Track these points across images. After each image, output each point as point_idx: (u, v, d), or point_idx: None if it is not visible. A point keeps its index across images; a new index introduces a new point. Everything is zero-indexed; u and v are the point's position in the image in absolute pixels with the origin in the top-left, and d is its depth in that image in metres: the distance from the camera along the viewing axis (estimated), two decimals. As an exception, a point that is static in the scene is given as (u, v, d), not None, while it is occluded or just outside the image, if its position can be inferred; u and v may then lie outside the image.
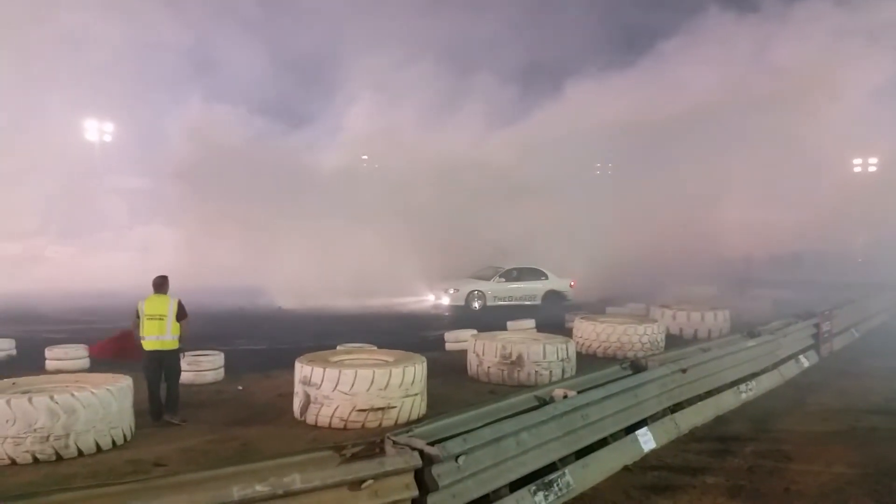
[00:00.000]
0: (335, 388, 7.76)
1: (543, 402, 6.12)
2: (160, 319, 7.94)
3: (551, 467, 5.72)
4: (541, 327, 14.62)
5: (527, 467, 5.40)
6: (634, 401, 7.08)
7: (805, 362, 12.01)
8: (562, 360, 10.35)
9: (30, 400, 6.43)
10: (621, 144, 28.16)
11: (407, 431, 4.83)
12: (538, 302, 22.34)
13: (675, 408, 7.82)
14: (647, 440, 7.08)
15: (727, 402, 8.95)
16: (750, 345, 10.18)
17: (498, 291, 22.34)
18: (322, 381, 7.84)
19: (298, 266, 22.30)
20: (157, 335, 7.95)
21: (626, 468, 6.49)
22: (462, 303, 22.00)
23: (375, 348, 10.46)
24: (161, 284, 8.18)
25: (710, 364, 8.82)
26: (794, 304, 15.88)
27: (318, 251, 22.92)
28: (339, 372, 7.81)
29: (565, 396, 6.22)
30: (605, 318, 13.67)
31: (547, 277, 22.81)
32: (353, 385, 7.72)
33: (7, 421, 6.30)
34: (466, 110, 28.75)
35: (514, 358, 10.22)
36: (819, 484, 6.18)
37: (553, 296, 22.44)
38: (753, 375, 9.88)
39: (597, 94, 28.16)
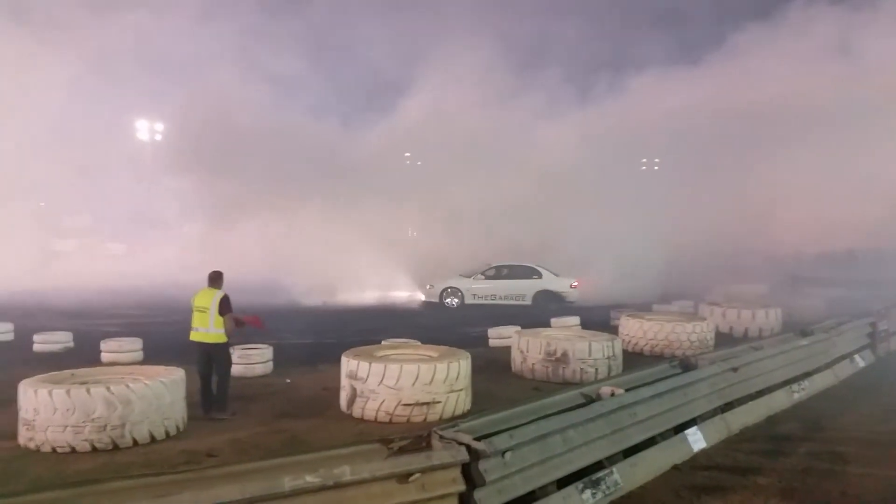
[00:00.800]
0: (381, 383, 7.82)
1: (590, 400, 6.07)
2: (204, 312, 8.12)
3: (598, 465, 5.67)
4: (586, 325, 14.49)
5: (574, 465, 5.36)
6: (684, 400, 6.97)
7: (860, 362, 11.64)
8: (608, 357, 10.23)
9: (88, 390, 6.65)
10: (671, 140, 27.59)
11: (453, 426, 4.84)
12: (528, 302, 21.54)
13: (726, 407, 7.66)
14: (696, 440, 6.96)
15: (779, 401, 8.73)
16: (802, 343, 9.91)
17: (477, 289, 21.79)
18: (368, 375, 7.91)
19: (342, 260, 22.53)
20: (201, 327, 8.15)
21: (675, 468, 6.39)
22: (437, 300, 21.77)
23: (419, 343, 10.52)
24: (213, 279, 8.37)
25: (761, 363, 8.62)
26: (849, 303, 15.40)
27: (359, 244, 23.16)
28: (385, 366, 7.87)
29: (613, 394, 6.16)
30: (653, 316, 13.47)
31: (540, 276, 21.77)
32: (398, 380, 7.78)
33: (67, 410, 6.52)
34: (519, 102, 28.50)
35: (558, 355, 10.14)
36: (879, 489, 5.97)
37: (547, 296, 21.36)
38: (806, 375, 9.61)
39: (653, 87, 27.71)
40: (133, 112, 34.27)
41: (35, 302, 20.68)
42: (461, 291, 21.85)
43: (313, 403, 8.78)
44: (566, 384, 9.63)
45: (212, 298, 8.13)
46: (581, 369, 10.04)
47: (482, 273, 22.06)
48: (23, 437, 6.74)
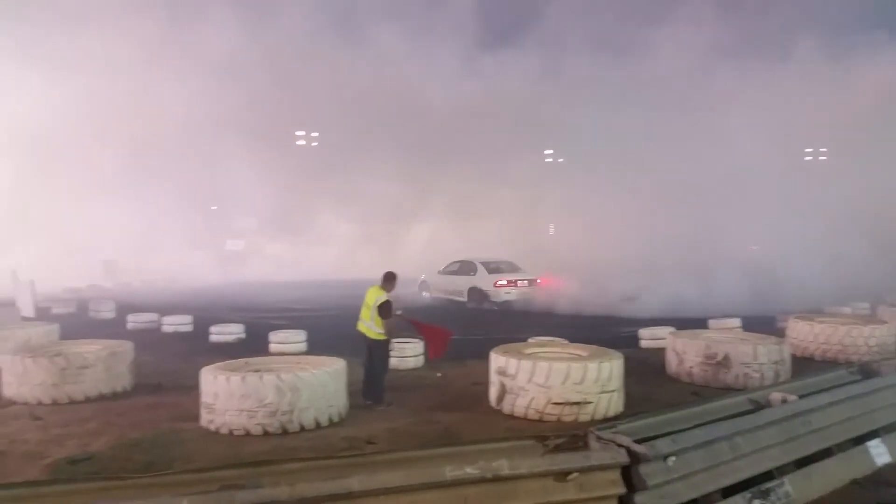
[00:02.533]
0: (530, 380, 7.79)
1: (759, 406, 5.69)
2: (366, 307, 8.62)
3: (768, 475, 5.30)
4: (748, 327, 13.60)
5: (741, 473, 5.05)
6: (865, 409, 6.35)
7: None
8: (774, 362, 9.54)
9: (261, 378, 7.18)
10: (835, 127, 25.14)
11: (611, 427, 4.72)
12: (464, 298, 20.39)
13: (916, 419, 6.89)
14: (880, 453, 6.32)
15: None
16: None
17: (437, 283, 21.33)
18: (517, 372, 7.91)
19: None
20: (364, 321, 8.66)
21: (854, 482, 5.84)
22: (417, 290, 21.63)
23: (567, 342, 10.37)
24: (384, 278, 8.78)
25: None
26: None
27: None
28: (534, 364, 7.84)
29: (784, 401, 5.73)
30: (825, 319, 12.39)
31: (475, 273, 20.44)
32: (547, 378, 7.71)
33: (242, 396, 7.08)
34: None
35: (720, 358, 9.59)
36: None
37: (476, 294, 20.08)
38: None
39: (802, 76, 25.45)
40: (291, 119, 36.49)
41: (210, 296, 22.68)
42: (429, 285, 21.75)
43: (464, 397, 8.92)
44: (727, 389, 9.10)
45: (376, 297, 8.54)
46: (744, 374, 9.43)
47: (444, 268, 21.66)
48: (204, 419, 7.40)
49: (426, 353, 9.28)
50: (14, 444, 6.92)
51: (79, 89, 25.94)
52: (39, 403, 8.44)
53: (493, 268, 20.57)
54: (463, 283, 20.68)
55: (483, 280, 20.21)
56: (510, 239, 24.90)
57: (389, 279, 8.79)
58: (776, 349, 9.68)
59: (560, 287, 19.78)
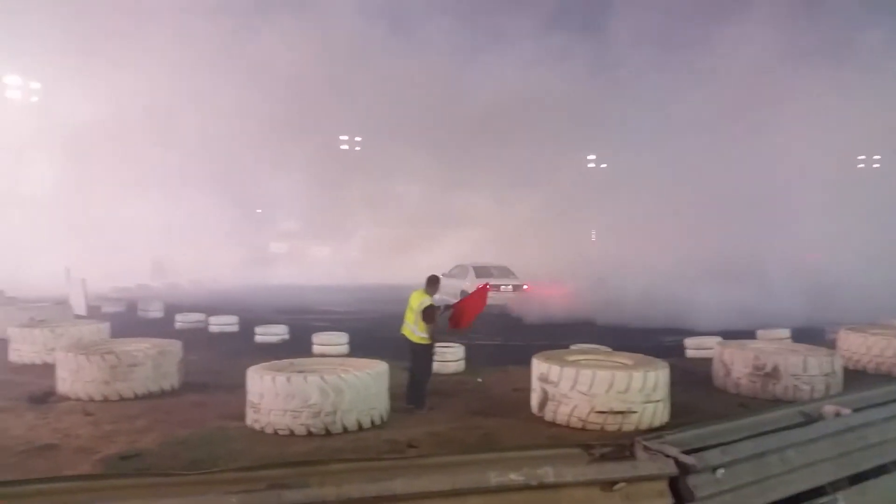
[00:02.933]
0: (573, 388, 7.71)
1: (811, 419, 5.51)
2: (410, 311, 8.64)
3: (820, 491, 5.13)
4: (797, 338, 13.24)
5: (792, 487, 4.89)
6: (923, 425, 6.10)
7: None
8: (826, 374, 9.26)
9: (305, 379, 7.27)
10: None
11: (658, 437, 4.63)
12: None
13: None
14: (939, 472, 6.06)
15: None
16: None
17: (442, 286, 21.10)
18: (560, 379, 7.84)
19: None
20: (408, 324, 8.68)
21: (913, 502, 5.62)
22: None
23: (610, 350, 10.24)
24: (427, 282, 8.80)
25: None
26: None
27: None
28: (577, 371, 7.76)
29: (838, 414, 5.54)
30: (878, 331, 11.98)
31: (466, 277, 20.28)
32: (591, 386, 7.62)
33: (287, 396, 7.17)
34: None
35: (769, 369, 9.36)
36: None
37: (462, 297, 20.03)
38: None
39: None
40: (336, 123, 36.90)
41: (254, 297, 23.06)
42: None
43: (505, 403, 8.88)
44: (776, 401, 8.89)
45: (419, 302, 8.55)
46: (794, 386, 9.18)
47: (448, 271, 21.46)
48: (249, 418, 7.51)
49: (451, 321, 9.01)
50: (67, 438, 7.13)
51: (132, 90, 26.71)
52: (91, 400, 8.69)
53: (483, 272, 20.69)
54: (456, 285, 20.78)
55: (470, 284, 20.31)
56: (549, 244, 24.73)
57: (433, 283, 8.79)
58: (827, 361, 9.40)
59: (555, 294, 19.47)
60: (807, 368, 9.23)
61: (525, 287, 20.33)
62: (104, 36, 27.22)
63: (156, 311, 18.30)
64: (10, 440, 7.02)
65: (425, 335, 8.54)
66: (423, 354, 8.67)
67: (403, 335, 8.74)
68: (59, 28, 26.57)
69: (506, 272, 20.91)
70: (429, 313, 8.47)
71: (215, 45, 28.61)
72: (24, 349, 11.39)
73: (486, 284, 9.83)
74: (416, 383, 8.62)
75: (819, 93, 24.12)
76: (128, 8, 27.49)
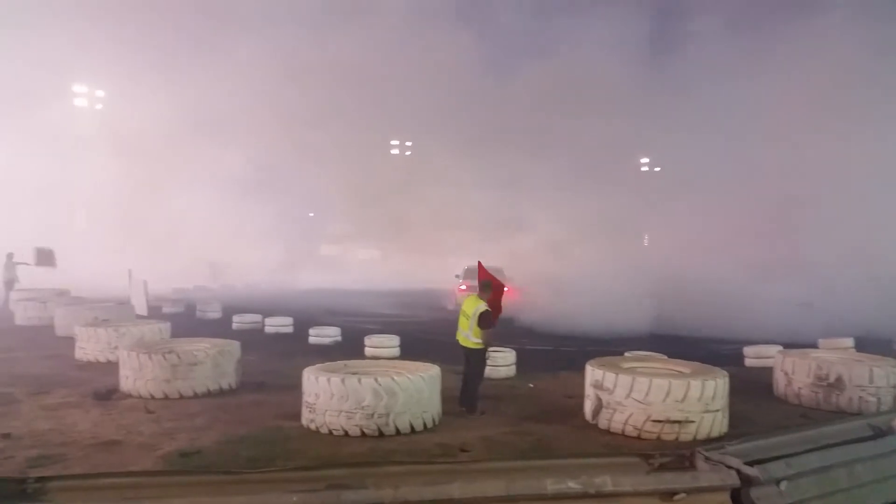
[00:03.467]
0: (628, 395, 7.59)
1: (881, 433, 5.30)
2: (466, 317, 8.63)
3: (890, 508, 4.94)
4: (861, 347, 12.77)
5: (861, 504, 4.73)
6: None
7: None
8: (893, 385, 8.90)
9: (359, 380, 7.35)
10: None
11: (719, 448, 4.53)
12: None
13: None
14: None
15: None
16: None
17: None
18: (615, 386, 7.73)
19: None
20: (463, 331, 8.69)
21: None
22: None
23: (666, 357, 10.05)
24: (481, 287, 8.82)
25: None
26: None
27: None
28: (633, 379, 7.63)
29: (910, 429, 5.32)
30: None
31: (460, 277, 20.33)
32: (647, 394, 7.49)
33: (342, 397, 7.26)
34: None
35: (832, 380, 9.04)
36: None
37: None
38: None
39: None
40: (386, 127, 37.24)
41: (307, 299, 23.43)
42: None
43: (557, 410, 8.80)
44: (840, 413, 8.60)
45: (474, 308, 8.54)
46: (859, 397, 8.85)
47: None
48: (305, 418, 7.63)
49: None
50: (130, 435, 7.37)
51: (192, 95, 27.48)
52: (152, 397, 8.94)
53: (469, 273, 20.43)
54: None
55: (456, 284, 20.92)
56: (602, 249, 24.33)
57: (482, 287, 8.80)
58: (895, 372, 9.03)
59: (534, 298, 19.14)
60: (873, 379, 8.89)
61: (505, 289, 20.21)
62: (166, 43, 28.16)
63: (214, 312, 18.77)
64: (77, 435, 7.30)
65: (479, 340, 8.52)
66: (476, 358, 8.66)
67: (458, 341, 8.76)
68: (123, 37, 27.62)
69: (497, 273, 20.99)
70: (484, 319, 8.45)
71: (274, 51, 29.22)
72: (89, 347, 11.81)
73: (504, 286, 9.44)
74: (469, 387, 8.63)
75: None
76: (188, 15, 28.30)
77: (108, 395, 9.06)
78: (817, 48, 22.96)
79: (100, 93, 33.79)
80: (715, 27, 26.24)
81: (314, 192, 34.17)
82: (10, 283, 19.95)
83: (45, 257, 21.78)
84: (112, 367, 10.02)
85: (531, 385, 10.37)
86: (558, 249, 24.64)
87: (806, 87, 23.02)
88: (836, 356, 10.23)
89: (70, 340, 12.45)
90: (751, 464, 4.35)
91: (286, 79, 29.22)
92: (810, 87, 22.87)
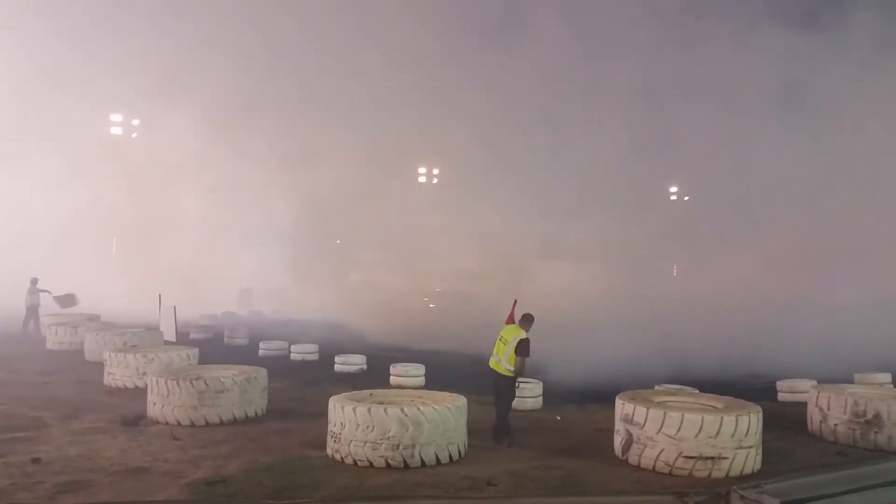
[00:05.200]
0: (660, 431, 7.42)
1: (924, 474, 5.13)
2: (504, 344, 8.63)
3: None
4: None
5: (906, 549, 4.55)
6: None
7: None
8: (934, 424, 8.61)
9: (385, 410, 7.31)
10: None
11: (755, 486, 4.42)
12: None
13: None
14: None
15: None
16: None
17: None
18: (645, 421, 7.57)
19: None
20: (497, 355, 8.69)
21: None
22: None
23: (697, 391, 9.85)
24: (524, 318, 8.79)
25: None
26: None
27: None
28: (664, 414, 7.47)
29: (956, 470, 5.13)
30: None
31: None
32: (679, 429, 7.32)
33: (368, 427, 7.22)
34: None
35: (869, 416, 8.77)
36: None
37: None
38: None
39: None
40: (414, 155, 37.48)
41: (333, 327, 23.45)
42: None
43: (587, 444, 8.66)
44: (878, 451, 8.35)
45: (514, 335, 8.58)
46: (899, 435, 8.57)
47: None
48: (330, 447, 7.59)
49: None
50: (156, 462, 7.39)
51: (217, 124, 28.01)
52: (178, 424, 8.97)
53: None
54: None
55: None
56: (627, 278, 24.04)
57: (528, 320, 8.77)
58: (936, 409, 8.73)
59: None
60: (913, 417, 8.61)
61: None
62: (196, 71, 28.80)
63: (241, 339, 18.86)
64: (104, 461, 7.34)
65: (512, 368, 8.51)
66: (507, 386, 8.65)
67: (490, 368, 8.77)
68: (155, 65, 28.36)
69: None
70: (522, 346, 8.44)
71: (297, 78, 29.74)
72: (118, 373, 11.92)
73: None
74: (501, 418, 8.62)
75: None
76: (212, 43, 28.93)
77: (136, 421, 9.12)
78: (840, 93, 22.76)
79: (135, 121, 34.66)
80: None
81: (340, 218, 34.36)
82: (33, 309, 20.28)
83: (67, 301, 22.30)
84: (140, 392, 10.10)
85: (558, 417, 10.22)
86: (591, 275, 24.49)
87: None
88: (872, 392, 9.94)
89: (99, 366, 12.59)
90: (788, 503, 4.23)
91: (314, 106, 29.65)
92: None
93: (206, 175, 28.93)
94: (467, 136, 31.50)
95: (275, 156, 30.04)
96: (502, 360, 8.56)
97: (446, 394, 8.32)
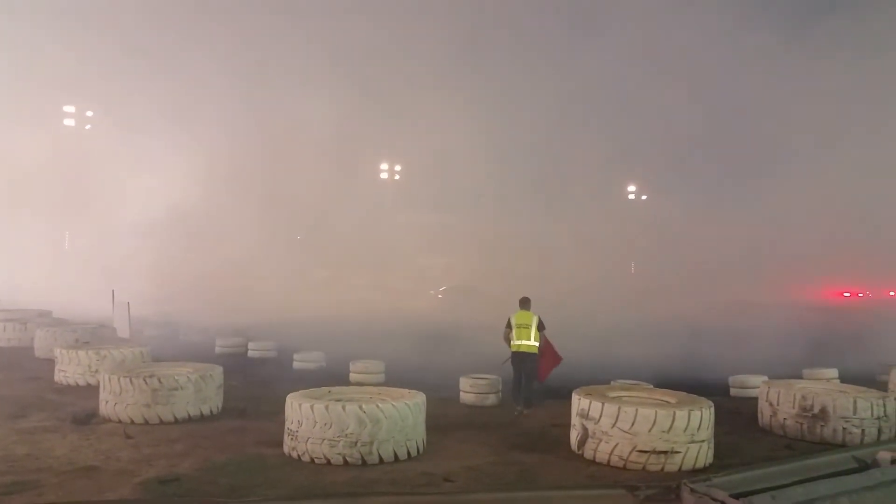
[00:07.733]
0: (614, 425, 7.54)
1: (865, 465, 5.29)
2: (527, 328, 10.27)
3: (876, 543, 4.91)
4: (846, 379, 12.79)
5: (847, 538, 4.69)
6: None
7: None
8: (877, 417, 8.89)
9: (343, 407, 7.26)
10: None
11: (705, 480, 4.49)
12: None
13: None
14: None
15: None
16: None
17: None
18: (600, 415, 7.68)
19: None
20: (525, 340, 10.28)
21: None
22: None
23: (652, 387, 10.04)
24: (525, 302, 10.60)
25: None
26: None
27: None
28: (619, 408, 7.58)
29: (894, 461, 5.31)
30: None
31: None
32: (633, 424, 7.44)
33: (325, 424, 7.17)
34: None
35: (816, 411, 9.04)
36: None
37: None
38: None
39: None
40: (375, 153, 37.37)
41: (292, 324, 23.22)
42: None
43: (543, 439, 8.73)
44: (824, 444, 8.61)
45: (531, 318, 10.36)
46: (843, 429, 8.84)
47: None
48: (287, 445, 7.52)
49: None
50: (108, 460, 7.23)
51: (178, 118, 27.51)
52: (132, 422, 8.79)
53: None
54: None
55: None
56: (584, 273, 24.39)
57: (527, 302, 10.56)
58: (879, 403, 9.03)
59: None
60: (857, 411, 8.88)
61: None
62: (151, 62, 28.29)
63: (197, 335, 18.57)
64: (53, 460, 7.15)
65: (538, 344, 10.31)
66: (534, 363, 10.34)
67: (520, 351, 10.25)
68: (110, 55, 27.77)
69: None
70: (542, 324, 10.40)
71: (257, 73, 29.42)
72: (70, 370, 11.63)
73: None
74: (528, 387, 10.26)
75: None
76: (175, 34, 28.44)
77: (87, 419, 8.91)
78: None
79: (89, 112, 33.86)
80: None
81: (302, 214, 34.06)
82: None
83: None
84: (92, 390, 9.87)
85: (516, 413, 10.27)
86: (548, 272, 24.74)
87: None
88: (820, 387, 10.26)
89: (50, 363, 12.26)
90: (736, 496, 4.31)
91: (274, 102, 29.35)
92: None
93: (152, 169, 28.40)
94: (428, 134, 31.62)
95: (235, 148, 29.68)
96: (531, 341, 10.22)
97: (405, 390, 8.30)
